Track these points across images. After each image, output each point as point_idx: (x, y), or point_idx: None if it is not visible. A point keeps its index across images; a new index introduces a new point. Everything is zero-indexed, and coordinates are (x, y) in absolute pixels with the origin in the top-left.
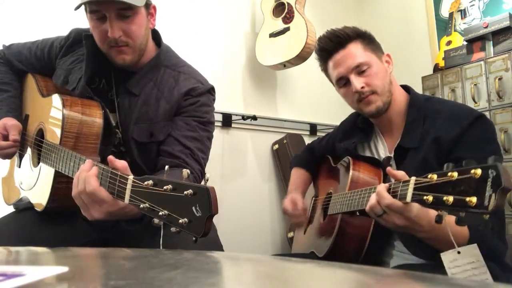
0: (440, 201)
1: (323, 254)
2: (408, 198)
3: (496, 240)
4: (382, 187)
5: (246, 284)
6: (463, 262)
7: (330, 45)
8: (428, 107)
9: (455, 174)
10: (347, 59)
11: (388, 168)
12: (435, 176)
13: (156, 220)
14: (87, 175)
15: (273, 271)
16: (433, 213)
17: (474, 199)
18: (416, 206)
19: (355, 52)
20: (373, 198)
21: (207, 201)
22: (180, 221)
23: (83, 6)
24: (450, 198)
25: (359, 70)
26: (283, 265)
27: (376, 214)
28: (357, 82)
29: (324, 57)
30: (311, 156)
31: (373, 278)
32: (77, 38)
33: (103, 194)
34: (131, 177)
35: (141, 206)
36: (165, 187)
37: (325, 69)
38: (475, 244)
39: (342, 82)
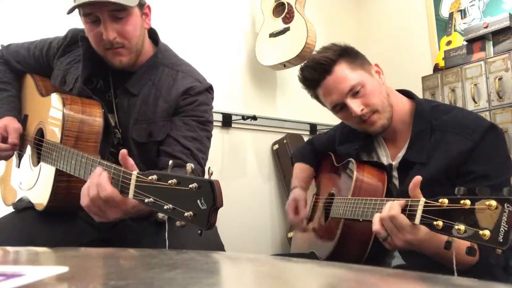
0: (451, 229)
1: (324, 257)
2: (417, 220)
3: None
4: (396, 204)
5: (246, 284)
6: None
7: (315, 74)
8: (434, 117)
9: (468, 202)
10: (338, 84)
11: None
12: (446, 201)
13: (160, 215)
14: (99, 180)
15: (273, 271)
16: (439, 237)
17: (487, 233)
18: (423, 229)
19: (344, 75)
20: (376, 222)
21: (212, 194)
22: (186, 214)
23: (76, 10)
24: (462, 227)
25: (353, 92)
26: (283, 265)
27: (381, 238)
28: (355, 106)
29: (311, 86)
30: (313, 151)
31: (373, 277)
32: (74, 39)
33: (118, 197)
34: (135, 172)
35: (146, 200)
36: (169, 181)
37: (315, 96)
38: None
39: (338, 108)
